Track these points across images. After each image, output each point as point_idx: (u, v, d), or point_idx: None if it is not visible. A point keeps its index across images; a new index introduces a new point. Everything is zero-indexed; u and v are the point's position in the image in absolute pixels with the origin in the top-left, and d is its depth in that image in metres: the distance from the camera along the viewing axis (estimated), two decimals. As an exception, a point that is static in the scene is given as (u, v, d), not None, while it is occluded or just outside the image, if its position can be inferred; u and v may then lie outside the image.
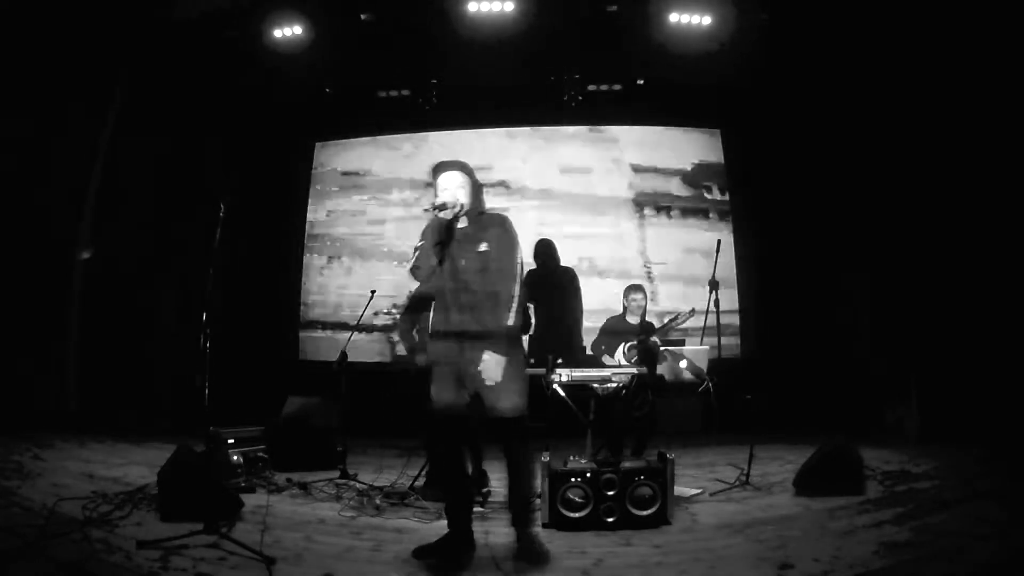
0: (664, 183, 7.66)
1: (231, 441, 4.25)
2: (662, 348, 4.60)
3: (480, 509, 3.78)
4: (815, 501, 3.77)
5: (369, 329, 7.49)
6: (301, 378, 6.90)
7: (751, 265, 7.44)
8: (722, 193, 7.64)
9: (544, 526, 3.37)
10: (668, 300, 7.14)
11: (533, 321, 4.31)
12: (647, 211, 7.61)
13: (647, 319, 5.03)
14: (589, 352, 4.91)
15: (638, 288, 5.04)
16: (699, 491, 4.15)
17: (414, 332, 4.60)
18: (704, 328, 4.82)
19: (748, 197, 7.52)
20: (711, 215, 7.61)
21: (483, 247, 2.97)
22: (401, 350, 7.52)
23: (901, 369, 6.05)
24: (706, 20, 6.41)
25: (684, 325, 4.83)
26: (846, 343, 6.80)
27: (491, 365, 2.83)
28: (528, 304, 4.28)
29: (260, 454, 4.38)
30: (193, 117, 7.21)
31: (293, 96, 7.59)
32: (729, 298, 7.31)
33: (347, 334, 5.59)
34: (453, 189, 3.01)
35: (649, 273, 7.42)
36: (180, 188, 7.17)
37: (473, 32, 6.48)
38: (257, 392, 6.12)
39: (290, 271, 7.97)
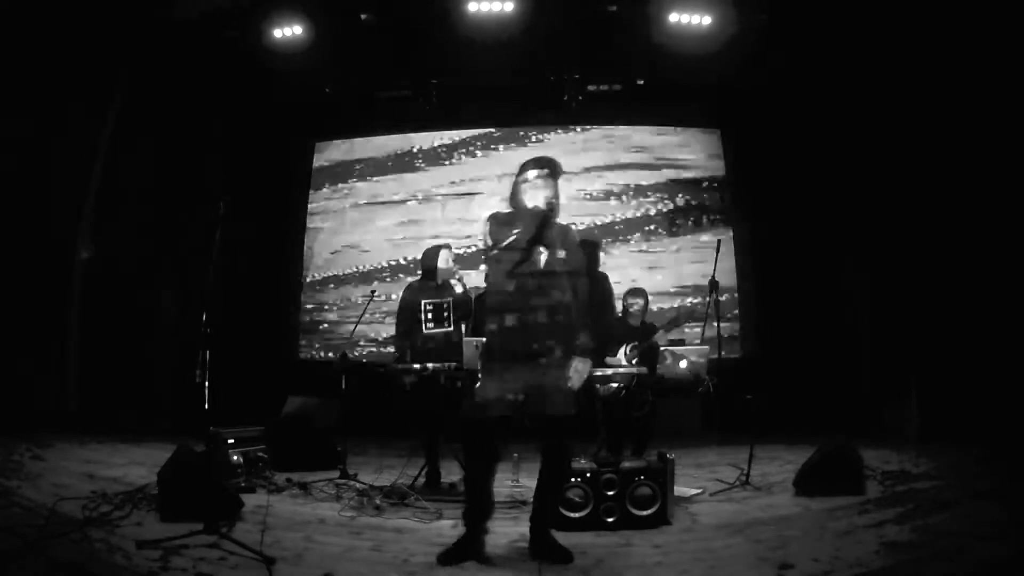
0: (663, 184, 7.66)
1: (231, 441, 4.25)
2: (662, 348, 4.60)
3: (480, 509, 3.78)
4: (815, 501, 3.77)
5: (370, 335, 7.50)
6: (301, 378, 6.91)
7: (751, 265, 7.44)
8: (722, 193, 7.65)
9: (544, 526, 3.37)
10: (668, 301, 7.16)
11: None
12: (646, 212, 7.62)
13: (647, 321, 5.03)
14: None
15: (638, 292, 5.04)
16: (699, 491, 4.15)
17: (406, 341, 4.60)
18: (704, 328, 4.82)
19: (748, 197, 7.53)
20: (710, 216, 7.62)
21: (562, 254, 2.95)
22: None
23: (901, 369, 6.05)
24: (706, 20, 6.40)
25: (687, 323, 4.84)
26: (846, 343, 6.80)
27: (580, 372, 2.84)
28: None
29: (260, 454, 4.38)
30: (193, 117, 7.21)
31: (293, 96, 7.59)
32: (729, 298, 7.32)
33: (347, 334, 5.59)
34: (542, 189, 2.97)
35: (654, 278, 7.42)
36: (180, 188, 7.17)
37: (473, 32, 6.48)
38: (257, 392, 6.12)
39: (290, 271, 7.98)
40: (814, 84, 6.82)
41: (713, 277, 4.60)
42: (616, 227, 7.56)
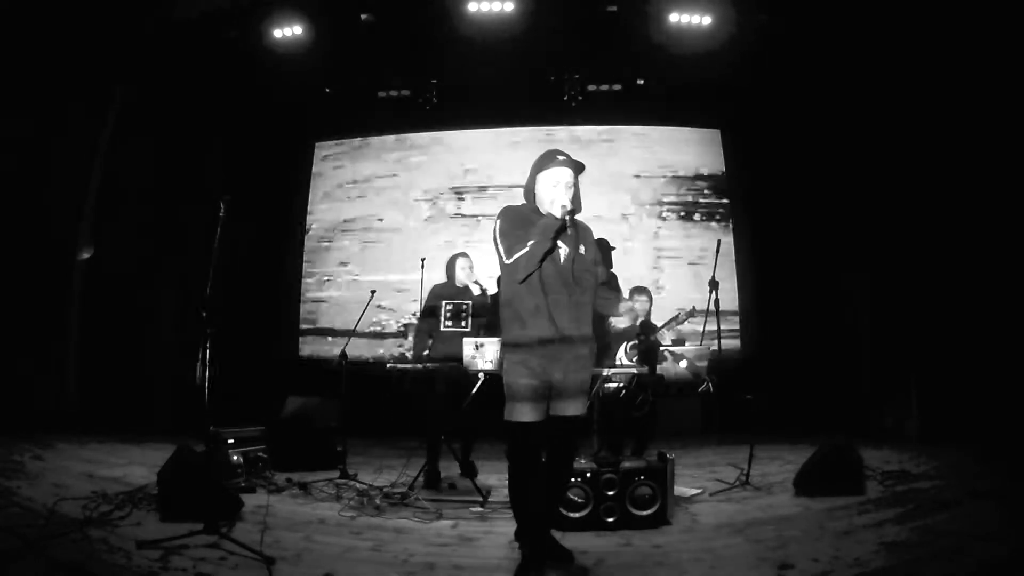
0: (663, 184, 7.66)
1: (231, 441, 4.25)
2: (662, 348, 4.60)
3: (480, 509, 3.79)
4: (815, 501, 3.77)
5: (370, 335, 7.51)
6: (301, 378, 6.91)
7: (751, 265, 7.44)
8: (722, 193, 7.65)
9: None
10: (669, 300, 7.16)
11: None
12: (646, 212, 7.62)
13: (649, 320, 5.03)
14: None
15: (642, 290, 5.03)
16: (699, 491, 4.15)
17: (428, 339, 4.69)
18: (704, 328, 4.82)
19: (748, 197, 7.53)
20: (710, 215, 7.62)
21: (582, 250, 2.85)
22: (394, 351, 7.53)
23: (901, 369, 6.05)
24: (706, 20, 6.41)
25: (684, 324, 4.84)
26: (846, 343, 6.80)
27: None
28: None
29: (260, 454, 4.38)
30: (193, 117, 7.22)
31: (293, 96, 7.59)
32: (729, 298, 7.32)
33: (347, 333, 5.59)
34: (564, 188, 2.80)
35: (655, 277, 7.42)
36: (180, 188, 7.17)
37: (473, 32, 6.49)
38: (257, 392, 6.12)
39: (290, 271, 7.98)
40: (814, 84, 6.82)
41: (713, 277, 4.60)
42: (616, 226, 7.56)
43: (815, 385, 6.58)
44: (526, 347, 2.73)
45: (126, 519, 3.26)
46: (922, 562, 2.72)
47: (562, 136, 7.72)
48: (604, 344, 4.59)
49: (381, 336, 7.64)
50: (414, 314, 7.36)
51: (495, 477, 4.61)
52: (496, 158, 7.76)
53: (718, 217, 7.61)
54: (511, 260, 2.73)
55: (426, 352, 4.68)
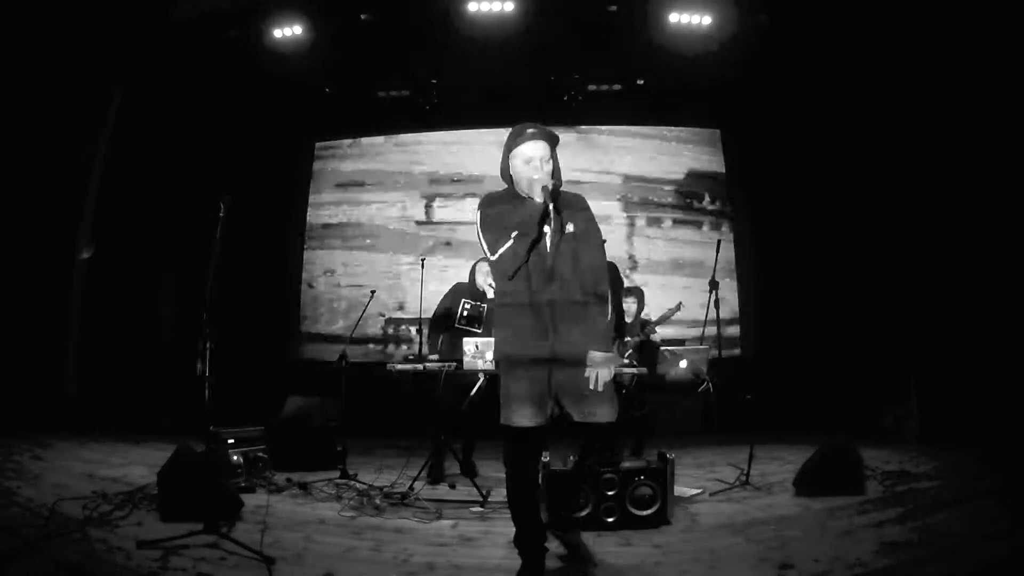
0: (663, 184, 7.66)
1: (231, 441, 4.25)
2: (662, 348, 4.60)
3: (480, 509, 3.79)
4: (815, 501, 3.77)
5: (367, 340, 7.50)
6: (301, 378, 6.91)
7: (751, 265, 7.44)
8: (721, 193, 7.65)
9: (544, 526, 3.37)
10: (669, 300, 7.15)
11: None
12: (646, 212, 7.62)
13: (643, 319, 5.04)
14: None
15: (631, 291, 5.05)
16: (699, 491, 4.15)
17: (439, 343, 4.72)
18: (704, 328, 4.82)
19: (747, 197, 7.53)
20: (710, 215, 7.62)
21: (570, 228, 2.57)
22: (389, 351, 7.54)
23: (901, 369, 6.05)
24: (706, 20, 6.41)
25: (677, 316, 4.85)
26: (846, 343, 6.80)
27: (600, 367, 2.48)
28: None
29: (260, 454, 4.38)
30: (193, 117, 7.21)
31: (293, 96, 7.59)
32: (729, 298, 7.32)
33: (347, 334, 5.59)
34: (540, 163, 2.57)
35: (655, 277, 7.42)
36: (180, 188, 7.17)
37: (473, 32, 6.48)
38: (257, 392, 6.12)
39: (290, 270, 7.98)
40: (814, 84, 6.82)
41: (713, 277, 4.60)
42: (616, 226, 7.56)
43: (815, 385, 6.58)
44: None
45: (126, 519, 3.26)
46: (922, 562, 2.72)
47: (562, 136, 7.72)
48: None
49: (383, 341, 7.64)
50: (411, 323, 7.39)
51: (495, 477, 4.62)
52: (496, 158, 7.74)
53: (718, 217, 7.60)
54: (496, 256, 2.57)
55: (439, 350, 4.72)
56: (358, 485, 4.26)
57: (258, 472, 4.30)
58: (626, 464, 3.50)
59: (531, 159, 2.61)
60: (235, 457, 4.21)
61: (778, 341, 7.06)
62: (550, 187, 2.54)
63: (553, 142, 2.68)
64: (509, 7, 6.35)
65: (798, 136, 7.11)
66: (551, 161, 2.64)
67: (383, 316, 7.58)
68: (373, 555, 2.98)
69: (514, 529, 2.92)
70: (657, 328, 4.91)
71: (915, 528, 3.16)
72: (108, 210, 6.81)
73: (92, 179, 6.74)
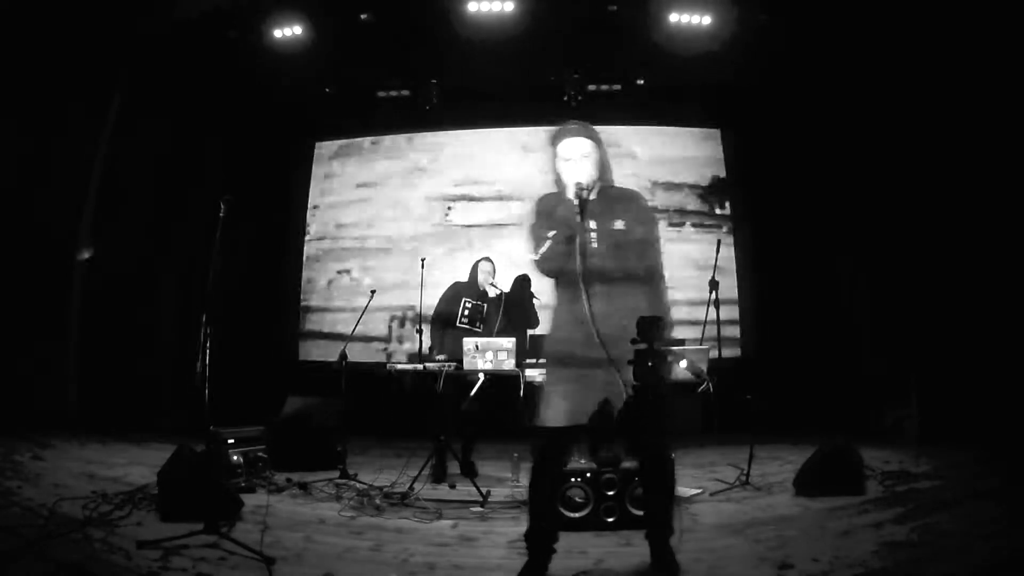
0: (662, 184, 7.66)
1: (231, 441, 4.25)
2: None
3: (480, 509, 3.79)
4: (815, 501, 3.77)
5: (368, 340, 7.51)
6: (301, 378, 6.91)
7: (751, 265, 7.44)
8: (721, 193, 7.64)
9: (544, 526, 3.37)
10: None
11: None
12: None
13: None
14: None
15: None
16: (699, 491, 4.15)
17: (442, 342, 4.74)
18: (704, 328, 4.82)
19: (748, 197, 7.52)
20: (710, 215, 7.61)
21: (618, 224, 2.57)
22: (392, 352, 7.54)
23: (901, 369, 6.05)
24: (706, 20, 6.40)
25: (677, 316, 4.85)
26: (846, 343, 6.80)
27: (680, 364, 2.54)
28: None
29: (260, 454, 4.38)
30: (193, 117, 7.21)
31: (293, 96, 7.59)
32: (730, 298, 7.32)
33: (347, 333, 5.59)
34: (579, 160, 2.59)
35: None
36: (180, 188, 7.17)
37: (473, 32, 6.47)
38: (257, 392, 6.12)
39: (290, 270, 7.98)
40: (814, 84, 6.82)
41: (713, 277, 4.60)
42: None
43: (815, 385, 6.58)
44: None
45: (126, 519, 3.26)
46: (922, 562, 2.71)
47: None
48: None
49: (386, 340, 7.64)
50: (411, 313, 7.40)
51: (495, 477, 4.62)
52: (496, 158, 7.76)
53: (718, 217, 7.60)
54: (538, 256, 2.57)
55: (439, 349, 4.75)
56: (358, 485, 4.26)
57: (258, 472, 4.30)
58: (626, 464, 3.49)
59: (570, 157, 2.63)
60: (235, 457, 4.21)
61: (778, 341, 7.05)
62: (583, 183, 2.52)
63: (593, 138, 2.67)
64: (509, 7, 6.34)
65: (798, 136, 7.10)
66: (592, 157, 2.63)
67: (394, 316, 7.59)
68: (373, 555, 2.98)
69: (514, 529, 2.94)
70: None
71: (915, 528, 3.15)
72: (108, 210, 6.81)
73: (92, 179, 6.74)
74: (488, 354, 4.17)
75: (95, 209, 6.76)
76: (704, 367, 4.45)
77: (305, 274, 7.97)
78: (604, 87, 7.44)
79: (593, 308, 2.45)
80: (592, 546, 3.06)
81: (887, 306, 6.43)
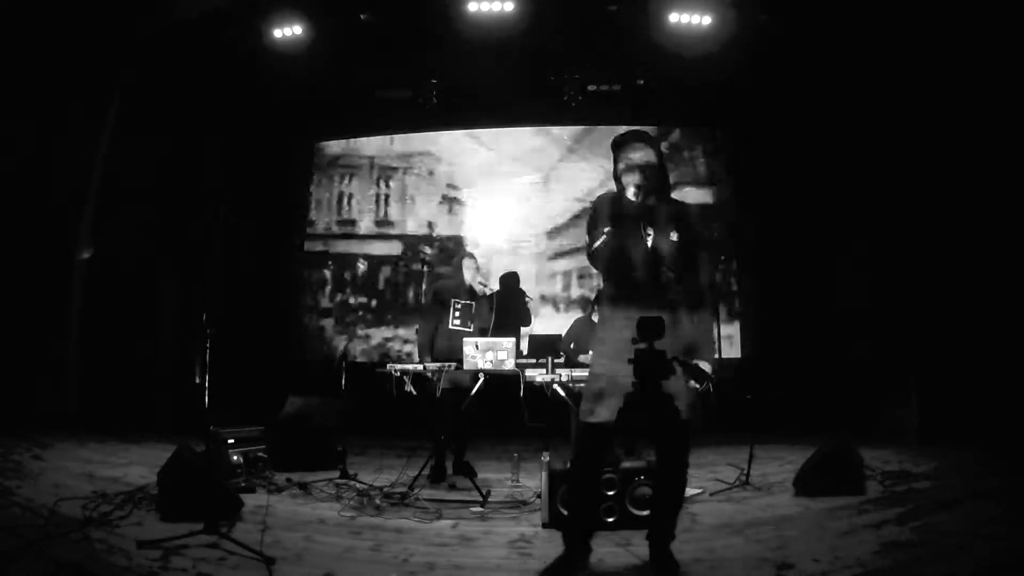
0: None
1: (231, 441, 4.25)
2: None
3: (480, 509, 3.79)
4: (815, 501, 3.77)
5: (369, 339, 7.51)
6: (301, 378, 6.91)
7: (751, 265, 7.44)
8: (721, 193, 7.65)
9: (544, 526, 3.37)
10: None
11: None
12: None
13: None
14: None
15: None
16: (699, 491, 4.15)
17: (431, 343, 4.73)
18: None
19: (747, 197, 7.52)
20: (711, 215, 7.61)
21: (674, 236, 2.65)
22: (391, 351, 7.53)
23: (901, 369, 6.05)
24: (706, 20, 6.40)
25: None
26: (846, 343, 6.80)
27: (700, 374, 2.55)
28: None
29: (260, 454, 4.38)
30: (193, 117, 7.21)
31: (293, 96, 7.59)
32: (729, 298, 7.32)
33: (347, 333, 5.60)
34: (640, 164, 2.68)
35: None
36: (180, 188, 7.17)
37: (473, 32, 6.48)
38: (257, 392, 6.12)
39: (289, 270, 7.98)
40: (814, 84, 6.82)
41: (713, 277, 4.60)
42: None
43: (815, 385, 6.58)
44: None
45: (126, 519, 3.26)
46: (922, 562, 2.71)
47: (562, 136, 7.73)
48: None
49: (387, 339, 7.64)
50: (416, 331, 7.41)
51: (494, 478, 4.62)
52: (496, 158, 7.76)
53: (718, 217, 7.60)
54: (592, 250, 2.67)
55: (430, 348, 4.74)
56: (358, 485, 4.26)
57: (258, 472, 4.30)
58: (626, 464, 3.49)
59: (628, 164, 2.72)
60: (235, 457, 4.21)
61: (778, 341, 7.06)
62: (637, 188, 2.64)
63: (652, 145, 2.77)
64: (509, 7, 6.34)
65: (798, 136, 7.10)
66: (651, 163, 2.72)
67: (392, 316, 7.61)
68: (373, 555, 2.98)
69: (514, 529, 2.95)
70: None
71: (915, 528, 3.16)
72: (108, 210, 6.81)
73: (92, 179, 6.75)
74: (488, 354, 4.17)
75: (95, 209, 6.76)
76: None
77: (305, 273, 7.98)
78: (604, 87, 7.44)
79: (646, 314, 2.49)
80: (592, 546, 3.06)
81: (887, 306, 6.43)
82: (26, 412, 5.78)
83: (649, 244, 2.66)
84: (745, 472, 4.33)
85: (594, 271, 5.02)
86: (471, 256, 5.01)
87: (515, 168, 7.73)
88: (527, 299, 6.04)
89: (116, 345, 6.69)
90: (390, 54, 6.95)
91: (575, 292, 7.48)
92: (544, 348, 4.57)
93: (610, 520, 3.36)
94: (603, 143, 7.64)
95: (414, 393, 4.35)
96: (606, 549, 3.04)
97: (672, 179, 7.62)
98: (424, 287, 5.14)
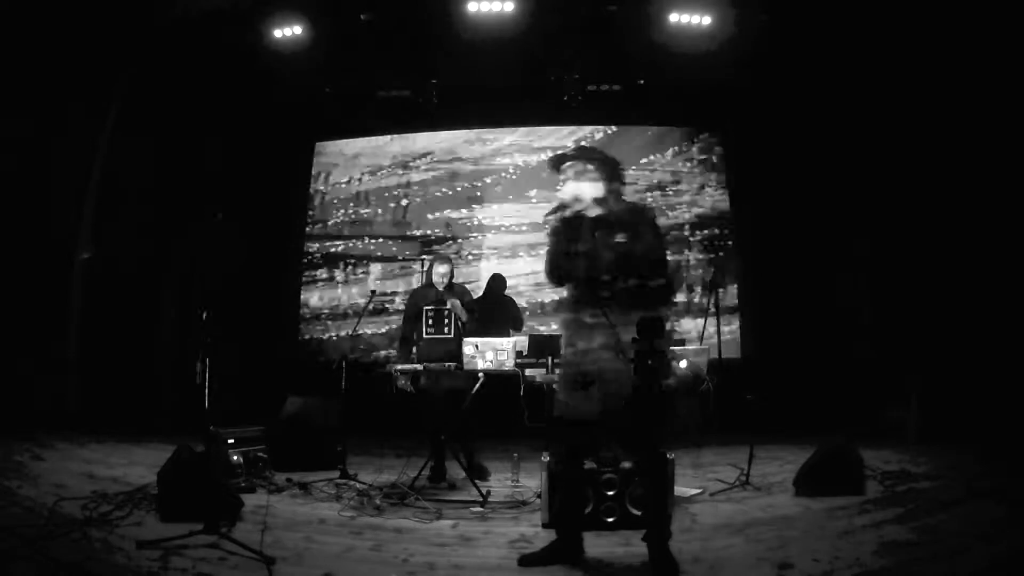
0: (663, 184, 7.66)
1: (231, 441, 4.25)
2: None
3: (480, 509, 3.79)
4: (815, 501, 3.77)
5: (368, 339, 7.51)
6: (301, 378, 6.91)
7: (751, 265, 7.44)
8: (721, 193, 7.65)
9: (544, 526, 3.37)
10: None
11: None
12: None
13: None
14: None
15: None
16: (699, 491, 4.15)
17: (412, 345, 4.72)
18: (704, 328, 4.82)
19: (747, 197, 7.53)
20: (710, 215, 7.62)
21: (620, 238, 2.75)
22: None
23: (901, 369, 6.05)
24: (706, 20, 6.40)
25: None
26: (846, 344, 6.80)
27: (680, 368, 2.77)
28: None
29: (260, 454, 4.38)
30: (193, 117, 7.21)
31: (293, 96, 7.59)
32: (730, 298, 7.32)
33: (347, 334, 5.59)
34: (575, 181, 2.84)
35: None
36: (180, 188, 7.17)
37: (473, 32, 6.48)
38: (257, 392, 6.11)
39: (289, 270, 7.98)
40: (814, 84, 6.82)
41: (713, 277, 4.60)
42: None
43: (815, 385, 6.58)
44: None
45: (126, 519, 3.26)
46: (922, 562, 2.71)
47: (562, 136, 7.73)
48: None
49: (387, 339, 7.65)
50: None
51: (495, 478, 4.62)
52: (496, 157, 7.76)
53: (717, 217, 7.60)
54: (545, 268, 2.93)
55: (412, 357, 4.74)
56: (358, 485, 4.26)
57: (258, 472, 4.30)
58: (626, 464, 3.49)
59: (566, 181, 2.90)
60: (235, 457, 4.21)
61: (778, 341, 7.06)
62: (566, 204, 2.84)
63: (591, 159, 2.90)
64: (509, 7, 6.34)
65: (798, 136, 7.10)
66: (587, 176, 2.86)
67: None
68: (373, 555, 2.98)
69: (514, 529, 2.97)
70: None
71: (915, 528, 3.16)
72: (108, 210, 6.81)
73: (92, 179, 6.74)
74: (488, 354, 4.16)
75: (95, 209, 6.76)
76: (704, 367, 4.46)
77: (305, 274, 7.98)
78: (604, 87, 7.44)
79: (598, 319, 2.73)
80: (592, 546, 3.05)
81: (887, 306, 6.43)
82: (26, 412, 5.78)
83: (592, 257, 2.77)
84: (745, 472, 4.33)
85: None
86: (443, 259, 4.87)
87: (519, 169, 7.73)
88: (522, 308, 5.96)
89: (116, 345, 6.69)
90: (390, 54, 6.95)
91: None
92: (544, 348, 4.55)
93: (610, 520, 3.36)
94: (608, 144, 7.73)
95: (410, 390, 4.34)
96: (606, 549, 3.04)
97: (672, 179, 7.69)
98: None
